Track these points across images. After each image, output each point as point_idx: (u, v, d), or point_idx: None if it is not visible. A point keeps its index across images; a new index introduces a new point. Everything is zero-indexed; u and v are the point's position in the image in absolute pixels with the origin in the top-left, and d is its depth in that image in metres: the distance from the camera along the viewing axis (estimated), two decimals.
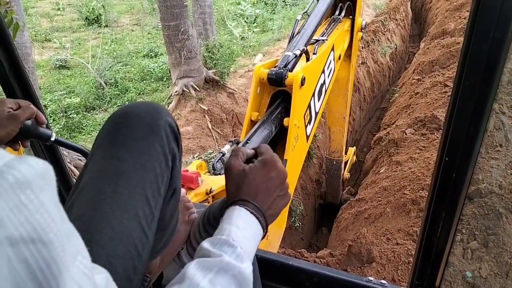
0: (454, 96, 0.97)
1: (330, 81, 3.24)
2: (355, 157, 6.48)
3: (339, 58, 3.52)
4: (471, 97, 0.96)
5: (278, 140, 2.77)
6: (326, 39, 3.17)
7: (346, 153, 5.88)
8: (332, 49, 3.24)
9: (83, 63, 8.66)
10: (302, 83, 2.50)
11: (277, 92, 2.69)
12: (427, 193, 4.21)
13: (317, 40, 3.09)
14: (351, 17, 3.81)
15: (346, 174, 6.00)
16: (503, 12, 0.86)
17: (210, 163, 5.64)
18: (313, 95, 2.90)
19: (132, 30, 12.05)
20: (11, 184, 0.37)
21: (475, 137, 1.01)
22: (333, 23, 3.50)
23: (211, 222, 1.11)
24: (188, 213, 1.16)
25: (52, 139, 1.01)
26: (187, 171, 2.14)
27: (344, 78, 4.25)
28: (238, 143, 2.43)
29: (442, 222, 1.18)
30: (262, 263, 1.42)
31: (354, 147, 6.56)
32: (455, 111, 0.98)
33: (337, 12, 3.63)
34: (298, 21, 3.04)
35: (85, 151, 1.11)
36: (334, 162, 5.62)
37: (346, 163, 5.88)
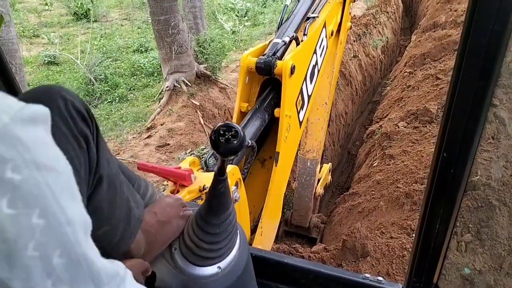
0: (452, 90, 0.95)
1: (322, 60, 3.09)
2: (330, 176, 5.33)
3: (332, 34, 3.33)
4: (469, 91, 0.94)
5: (269, 131, 2.68)
6: (317, 16, 3.00)
7: (321, 165, 4.90)
8: (324, 26, 3.07)
9: (72, 59, 8.54)
10: (292, 72, 2.37)
11: (267, 80, 2.56)
12: (420, 186, 4.22)
13: (308, 18, 2.92)
14: None
15: (319, 189, 4.89)
16: (503, 5, 0.84)
17: (203, 159, 5.60)
18: (305, 78, 2.76)
19: (122, 25, 11.91)
20: None
21: (474, 131, 0.99)
22: None
23: (204, 219, 1.09)
24: (182, 209, 1.15)
25: None
26: (179, 168, 2.09)
27: (330, 53, 3.57)
28: None
29: (440, 216, 1.17)
30: (257, 261, 1.40)
31: (330, 164, 5.39)
32: (453, 105, 0.96)
33: None
34: (287, 6, 2.88)
35: None
36: (308, 164, 4.50)
37: (319, 180, 4.89)
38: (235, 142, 0.93)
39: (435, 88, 6.17)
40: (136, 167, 4.98)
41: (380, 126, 6.27)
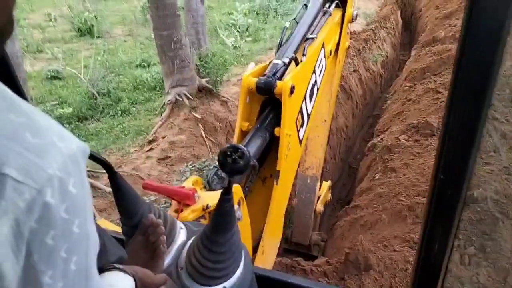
0: (449, 101, 0.97)
1: (321, 79, 3.15)
2: (330, 194, 5.33)
3: (330, 54, 3.39)
4: (466, 103, 0.95)
5: (270, 150, 2.73)
6: (316, 37, 3.05)
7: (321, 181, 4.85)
8: (323, 46, 3.13)
9: (75, 74, 8.62)
10: (292, 92, 2.43)
11: (267, 99, 2.61)
12: (422, 199, 4.21)
13: (307, 39, 2.98)
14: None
15: (319, 206, 4.88)
16: (495, 22, 0.86)
17: (204, 172, 5.61)
18: (304, 97, 2.82)
19: (125, 41, 12.03)
20: None
21: (471, 145, 1.00)
22: (322, 17, 3.32)
23: (210, 238, 1.10)
24: (152, 248, 1.08)
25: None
26: (183, 187, 2.12)
27: (329, 72, 3.62)
28: None
29: (440, 235, 1.17)
30: (261, 281, 1.40)
31: (330, 181, 5.37)
32: (450, 118, 0.97)
33: (327, 5, 3.40)
34: (286, 28, 2.96)
35: (105, 162, 1.09)
36: (308, 181, 4.49)
37: (319, 198, 4.86)
38: (241, 162, 0.98)
39: (435, 102, 6.21)
40: (138, 180, 4.97)
41: (381, 139, 6.29)
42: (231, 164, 0.98)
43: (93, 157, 1.08)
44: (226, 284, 1.12)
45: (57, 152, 0.55)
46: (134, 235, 1.12)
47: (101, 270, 0.92)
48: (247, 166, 0.99)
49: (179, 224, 1.29)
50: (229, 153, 0.99)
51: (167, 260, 1.18)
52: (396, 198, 4.52)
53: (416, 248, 3.31)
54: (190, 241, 1.22)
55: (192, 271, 1.12)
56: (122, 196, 1.14)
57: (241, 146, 1.01)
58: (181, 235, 1.26)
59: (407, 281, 3.33)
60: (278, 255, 4.38)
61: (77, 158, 0.59)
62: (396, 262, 3.50)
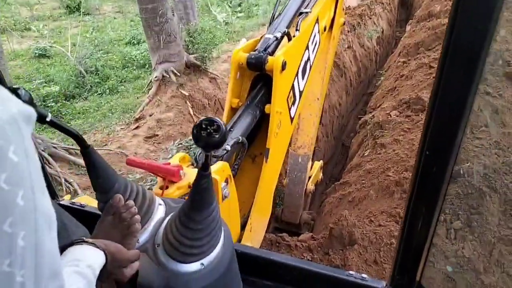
0: (439, 74, 0.90)
1: (315, 56, 3.08)
2: (321, 173, 5.24)
3: (325, 30, 3.30)
4: (456, 77, 0.88)
5: (261, 127, 2.68)
6: (310, 11, 2.96)
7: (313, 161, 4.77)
8: (317, 21, 3.05)
9: (63, 52, 8.44)
10: (283, 68, 2.36)
11: (258, 75, 2.55)
12: (410, 175, 4.14)
13: (300, 13, 2.89)
14: None
15: (310, 185, 4.82)
16: None
17: (192, 150, 5.53)
18: (297, 74, 2.75)
19: (114, 18, 11.82)
20: None
21: (460, 118, 0.94)
22: None
23: (187, 215, 1.07)
24: (125, 226, 1.06)
25: (48, 119, 0.93)
26: (169, 164, 2.05)
27: (322, 49, 3.50)
28: None
29: (423, 213, 1.13)
30: (242, 258, 1.39)
31: (321, 161, 5.28)
32: (438, 93, 0.91)
33: None
34: (279, 1, 2.88)
35: (78, 136, 1.06)
36: (300, 160, 4.41)
37: (310, 177, 4.82)
38: (216, 136, 0.93)
39: (428, 77, 6.09)
40: (123, 158, 4.89)
41: (373, 116, 6.19)
42: (205, 137, 0.93)
43: (65, 130, 1.05)
44: (204, 261, 1.09)
45: None
46: (103, 215, 1.10)
47: (63, 249, 0.90)
48: (222, 140, 0.94)
49: (158, 200, 1.26)
50: (204, 126, 0.94)
51: (144, 236, 1.15)
52: (384, 174, 4.45)
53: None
54: (168, 218, 1.19)
55: (169, 248, 1.09)
56: (96, 171, 1.10)
57: (217, 119, 0.96)
58: (159, 212, 1.23)
59: (391, 256, 3.28)
60: (268, 233, 4.36)
61: (17, 123, 0.53)
62: (381, 236, 3.44)
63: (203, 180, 1.05)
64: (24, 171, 0.53)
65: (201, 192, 1.07)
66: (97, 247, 0.92)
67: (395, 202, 3.95)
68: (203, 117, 0.97)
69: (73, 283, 0.79)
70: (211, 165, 2.09)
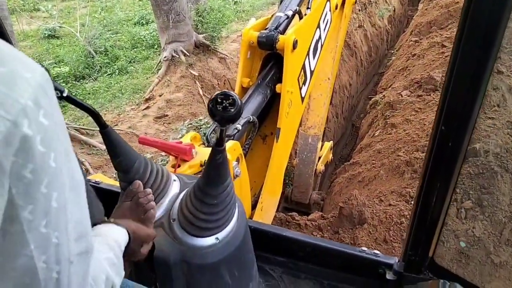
0: (454, 54, 0.89)
1: (326, 35, 3.05)
2: (331, 154, 5.22)
3: (336, 8, 3.25)
4: (471, 57, 0.88)
5: (271, 106, 2.67)
6: None
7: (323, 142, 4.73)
8: None
9: (72, 32, 8.43)
10: (294, 47, 2.34)
11: (269, 55, 2.53)
12: (421, 155, 4.12)
13: None
14: None
15: (320, 165, 4.82)
16: None
17: (202, 130, 5.54)
18: (308, 53, 2.73)
19: None
20: None
21: (475, 99, 0.93)
22: None
23: (202, 190, 1.08)
24: (142, 211, 1.09)
25: (65, 94, 0.94)
26: (181, 143, 2.07)
27: (334, 28, 3.43)
28: None
29: (438, 188, 1.13)
30: (256, 234, 1.41)
31: (331, 141, 5.29)
32: (454, 71, 0.91)
33: None
34: None
35: (94, 111, 1.07)
36: (310, 140, 4.40)
37: (320, 158, 4.80)
38: (232, 110, 0.93)
39: (440, 56, 5.99)
40: (134, 138, 4.93)
41: (384, 95, 6.13)
42: (221, 111, 0.93)
43: (84, 107, 1.06)
44: (219, 235, 1.11)
45: (24, 82, 0.52)
46: (122, 199, 1.13)
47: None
48: (238, 114, 0.95)
49: (173, 176, 1.27)
50: (219, 100, 0.94)
51: (160, 211, 1.18)
52: (394, 154, 4.43)
53: (412, 202, 3.27)
54: (183, 193, 1.20)
55: (184, 222, 1.11)
56: (116, 150, 1.11)
57: (232, 93, 0.96)
58: (174, 187, 1.24)
59: (401, 235, 3.29)
60: (277, 213, 4.40)
61: (44, 88, 0.55)
62: (390, 216, 3.45)
63: (218, 156, 1.06)
64: (54, 134, 0.55)
65: (216, 167, 1.08)
66: (121, 226, 0.95)
67: (406, 182, 3.94)
68: (218, 91, 0.97)
69: (103, 251, 0.82)
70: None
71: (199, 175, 1.54)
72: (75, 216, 0.61)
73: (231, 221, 1.15)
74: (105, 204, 1.12)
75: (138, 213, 1.08)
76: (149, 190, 1.13)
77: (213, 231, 1.10)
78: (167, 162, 2.11)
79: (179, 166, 1.97)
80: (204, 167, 1.16)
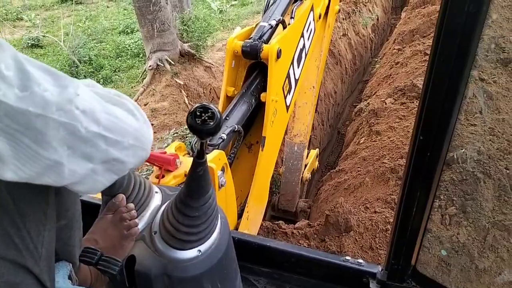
0: (430, 65, 0.89)
1: (310, 44, 3.08)
2: (317, 161, 5.26)
3: (320, 17, 3.29)
4: (448, 63, 0.88)
5: (257, 115, 2.68)
6: None
7: (309, 150, 4.78)
8: (312, 9, 3.05)
9: (56, 41, 8.35)
10: (278, 56, 2.37)
11: (253, 64, 2.55)
12: (405, 160, 4.16)
13: (295, 1, 2.91)
14: None
15: (306, 173, 4.84)
16: None
17: (187, 140, 5.52)
18: (292, 62, 2.76)
19: (108, 7, 11.69)
20: None
21: (453, 105, 0.94)
22: None
23: (184, 202, 1.07)
24: (125, 227, 1.08)
25: None
26: (165, 153, 2.05)
27: (318, 36, 3.48)
28: None
29: (418, 198, 1.13)
30: (240, 245, 1.41)
31: (317, 149, 5.32)
32: (430, 81, 0.91)
33: None
34: None
35: None
36: (295, 148, 4.42)
37: (306, 165, 4.82)
38: (211, 123, 0.91)
39: (423, 64, 6.09)
40: None
41: (368, 103, 6.19)
42: (200, 125, 0.92)
43: None
44: (201, 247, 1.10)
45: None
46: (103, 212, 1.11)
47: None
48: (218, 127, 0.93)
49: (155, 188, 1.26)
50: (198, 113, 0.92)
51: (141, 224, 1.16)
52: (379, 161, 4.46)
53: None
54: (164, 206, 1.19)
55: (165, 235, 1.09)
56: None
57: (212, 106, 0.94)
58: (155, 200, 1.23)
59: (386, 242, 3.31)
60: (264, 221, 4.37)
61: None
62: (376, 223, 3.47)
63: (199, 168, 1.05)
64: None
65: (197, 179, 1.06)
66: None
67: (390, 189, 3.97)
68: (197, 104, 0.97)
69: None
70: (208, 153, 2.10)
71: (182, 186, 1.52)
72: None
73: (213, 232, 1.14)
74: (88, 216, 1.10)
75: (121, 228, 1.07)
76: (132, 205, 1.12)
77: (195, 244, 1.09)
78: (152, 172, 2.09)
79: (163, 176, 1.95)
80: (185, 179, 1.15)
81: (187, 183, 1.09)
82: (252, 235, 1.72)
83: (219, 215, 1.19)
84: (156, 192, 1.26)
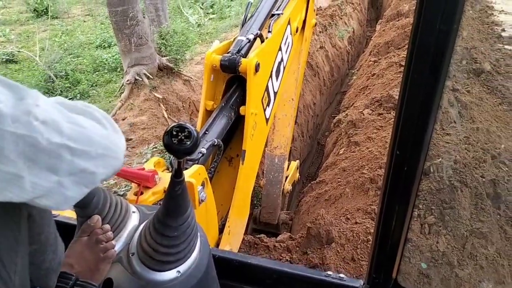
0: (406, 72, 0.90)
1: (288, 57, 3.12)
2: (298, 173, 5.28)
3: (297, 31, 3.34)
4: (423, 72, 0.89)
5: (236, 128, 2.68)
6: (282, 13, 3.01)
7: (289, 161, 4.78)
8: (289, 22, 3.10)
9: (31, 57, 8.20)
10: (257, 69, 2.40)
11: (232, 77, 2.58)
12: (383, 174, 4.21)
13: (272, 15, 2.94)
14: None
15: (287, 185, 4.83)
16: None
17: (167, 154, 5.46)
18: (271, 75, 2.79)
19: (84, 21, 11.56)
20: None
21: (428, 117, 0.96)
22: None
23: (162, 221, 1.05)
24: (101, 249, 1.05)
25: None
26: (143, 169, 2.02)
27: (295, 50, 3.51)
28: None
29: (397, 211, 1.14)
30: (220, 263, 1.39)
31: (297, 161, 5.35)
32: (405, 96, 0.92)
33: None
34: (251, 3, 2.92)
35: None
36: (276, 160, 4.39)
37: (287, 178, 4.81)
38: (188, 143, 0.91)
39: (398, 75, 6.22)
40: None
41: (346, 114, 6.27)
42: (177, 144, 0.91)
43: None
44: (180, 268, 1.08)
45: None
46: (78, 234, 1.08)
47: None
48: (194, 146, 0.92)
49: (132, 208, 1.24)
50: (174, 132, 0.92)
51: (118, 246, 1.13)
52: (359, 171, 4.51)
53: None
54: (142, 226, 1.16)
55: (143, 256, 1.07)
56: None
57: (188, 125, 0.94)
58: (133, 220, 1.20)
59: (368, 252, 3.32)
60: (247, 234, 4.34)
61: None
62: (357, 234, 3.49)
63: (177, 187, 1.04)
64: None
65: (175, 198, 1.05)
66: None
67: (370, 199, 4.01)
68: (173, 123, 0.96)
69: None
70: (187, 169, 2.08)
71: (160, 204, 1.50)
72: None
73: (193, 252, 1.12)
74: (63, 238, 1.07)
75: (97, 251, 1.04)
76: (107, 226, 1.09)
77: (174, 264, 1.07)
78: (131, 188, 2.05)
79: (141, 193, 1.92)
80: (163, 198, 1.13)
81: (165, 203, 1.08)
82: (233, 252, 1.70)
83: (198, 234, 1.18)
84: (133, 212, 1.24)
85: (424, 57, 0.81)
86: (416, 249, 1.33)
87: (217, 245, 2.57)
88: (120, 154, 0.84)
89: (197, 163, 2.13)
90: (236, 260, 1.53)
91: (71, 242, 1.09)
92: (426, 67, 0.82)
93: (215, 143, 2.30)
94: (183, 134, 0.91)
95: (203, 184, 2.07)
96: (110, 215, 1.13)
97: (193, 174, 2.01)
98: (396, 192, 1.04)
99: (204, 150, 2.21)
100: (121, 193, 4.63)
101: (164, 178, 1.94)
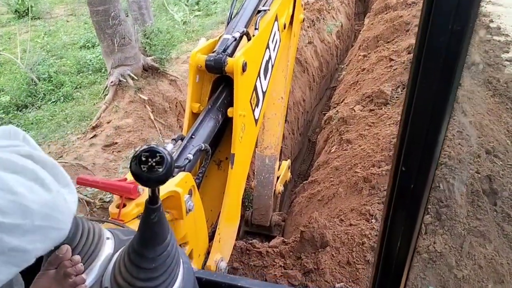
0: (410, 91, 0.77)
1: (276, 55, 3.00)
2: (289, 173, 5.17)
3: (285, 27, 3.22)
4: (433, 80, 0.77)
5: (224, 131, 2.57)
6: (268, 9, 2.89)
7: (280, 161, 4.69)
8: (276, 19, 2.98)
9: (13, 59, 7.96)
10: (244, 69, 2.28)
11: (218, 78, 2.46)
12: (377, 170, 4.10)
13: (259, 11, 2.82)
14: None
15: (279, 186, 4.73)
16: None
17: None
18: (259, 74, 2.68)
19: (67, 21, 11.30)
20: None
21: (439, 129, 0.83)
22: None
23: (138, 252, 0.92)
24: (70, 284, 0.93)
25: None
26: (125, 179, 1.88)
27: (283, 47, 3.36)
28: (182, 139, 2.21)
29: (402, 232, 1.00)
30: (207, 286, 1.27)
31: (289, 160, 5.24)
32: (414, 99, 0.78)
33: None
34: (236, 0, 2.79)
35: None
36: (267, 161, 4.29)
37: (278, 178, 4.73)
38: (160, 170, 0.76)
39: (388, 70, 6.12)
40: (80, 170, 4.60)
41: (337, 111, 6.16)
42: (146, 172, 0.77)
43: None
44: None
45: None
46: (45, 267, 0.94)
47: None
48: (168, 173, 0.78)
49: (106, 233, 1.09)
50: (144, 158, 0.77)
51: (90, 279, 0.99)
52: (352, 170, 4.41)
53: (372, 221, 3.20)
54: (117, 254, 1.03)
55: None
56: None
57: (160, 148, 0.79)
58: (107, 247, 1.06)
59: (364, 255, 3.22)
60: (237, 239, 4.21)
61: None
62: (352, 236, 3.38)
63: (153, 214, 0.91)
64: None
65: (152, 227, 0.92)
66: None
67: (364, 199, 3.91)
68: (143, 147, 0.82)
69: None
70: (173, 176, 1.95)
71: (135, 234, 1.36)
72: None
73: (175, 283, 1.00)
74: (25, 274, 0.93)
75: (65, 286, 0.91)
76: (78, 257, 0.95)
77: None
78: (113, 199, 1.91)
79: (124, 205, 1.79)
80: (138, 227, 1.00)
81: (140, 232, 0.94)
82: (220, 275, 1.57)
83: (181, 261, 1.05)
84: (108, 238, 1.09)
85: (435, 62, 0.69)
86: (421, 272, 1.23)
87: (208, 253, 2.46)
88: (65, 222, 0.72)
89: (184, 170, 2.02)
90: (224, 283, 1.40)
91: (37, 276, 0.96)
92: (437, 74, 0.69)
93: (202, 148, 2.19)
94: (154, 159, 0.77)
95: (190, 193, 1.96)
96: (81, 245, 0.99)
97: (179, 182, 1.89)
98: (400, 215, 0.91)
99: (190, 156, 2.10)
100: (107, 199, 4.47)
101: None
